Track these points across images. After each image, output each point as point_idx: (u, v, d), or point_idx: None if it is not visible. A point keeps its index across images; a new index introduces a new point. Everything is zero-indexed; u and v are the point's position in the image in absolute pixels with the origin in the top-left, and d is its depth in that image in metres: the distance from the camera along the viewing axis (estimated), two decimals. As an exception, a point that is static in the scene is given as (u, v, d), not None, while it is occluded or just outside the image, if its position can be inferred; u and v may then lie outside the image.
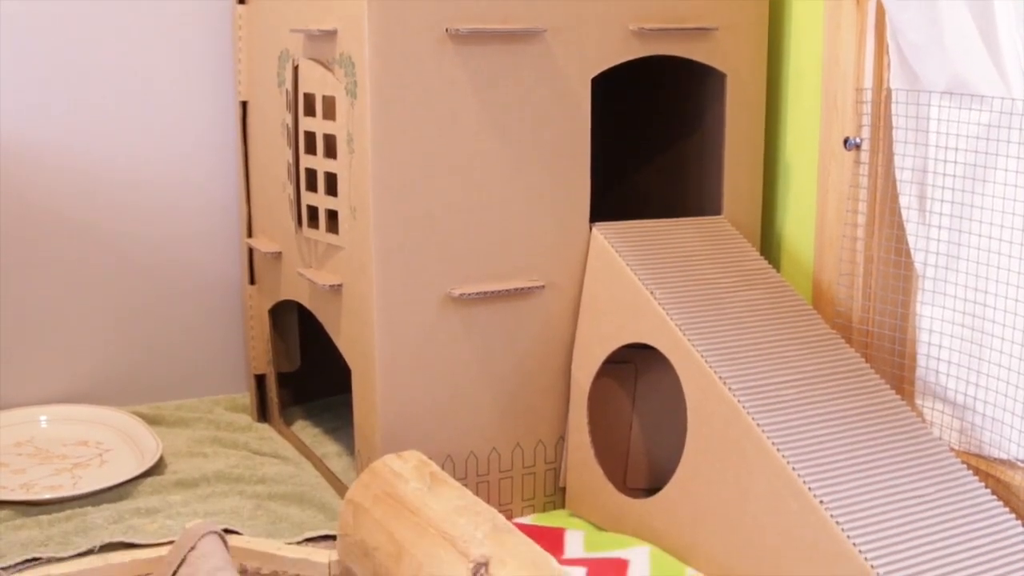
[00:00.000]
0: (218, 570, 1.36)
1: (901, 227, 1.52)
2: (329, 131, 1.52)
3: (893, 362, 1.55)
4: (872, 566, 1.19)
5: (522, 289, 1.51)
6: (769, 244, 1.72)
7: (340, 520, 1.43)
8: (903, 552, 1.22)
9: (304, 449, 1.78)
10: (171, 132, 1.90)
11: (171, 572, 1.38)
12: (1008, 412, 1.39)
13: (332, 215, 1.55)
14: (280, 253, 1.73)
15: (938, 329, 1.47)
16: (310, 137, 1.58)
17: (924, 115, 1.47)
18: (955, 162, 1.44)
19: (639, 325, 1.46)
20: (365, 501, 1.39)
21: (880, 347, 1.56)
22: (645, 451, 1.61)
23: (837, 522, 1.23)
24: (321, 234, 1.57)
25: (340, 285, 1.53)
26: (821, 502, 1.24)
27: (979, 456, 1.44)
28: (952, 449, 1.45)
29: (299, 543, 1.49)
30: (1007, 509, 1.31)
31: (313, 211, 1.59)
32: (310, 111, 1.57)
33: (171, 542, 1.44)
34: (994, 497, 1.32)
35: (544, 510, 1.58)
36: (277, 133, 1.69)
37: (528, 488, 1.57)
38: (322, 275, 1.57)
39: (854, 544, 1.21)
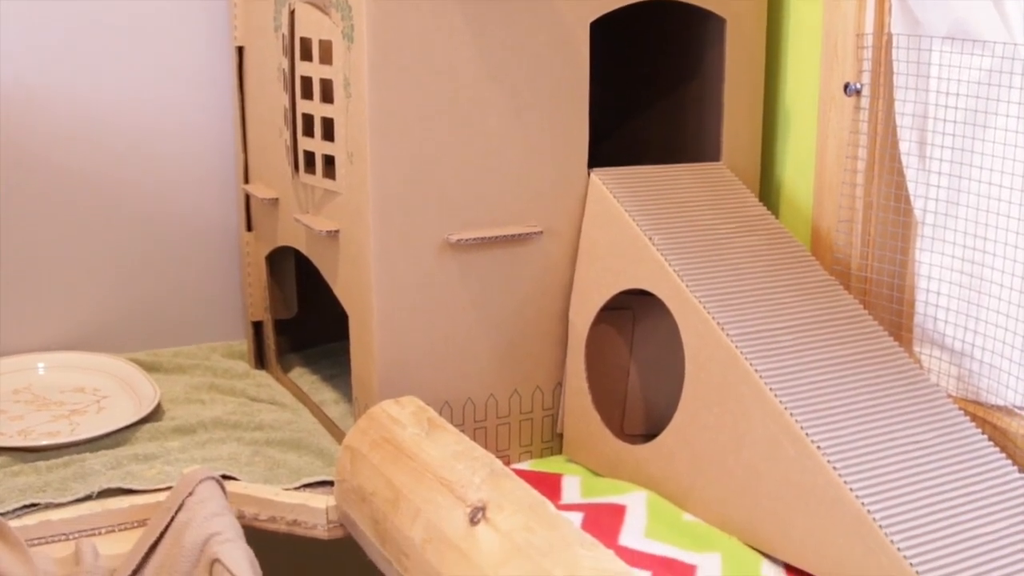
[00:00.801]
0: (215, 515, 1.37)
1: (901, 173, 1.51)
2: (326, 76, 1.51)
3: (891, 309, 1.54)
4: (869, 511, 1.19)
5: (520, 235, 1.50)
6: (768, 190, 1.71)
7: (338, 466, 1.43)
8: (900, 498, 1.22)
9: (302, 396, 1.78)
10: (167, 79, 1.88)
11: (169, 518, 1.38)
12: (1006, 359, 1.39)
13: (329, 161, 1.54)
14: (277, 199, 1.72)
15: (937, 276, 1.47)
16: (306, 82, 1.56)
17: (925, 60, 1.46)
18: (956, 108, 1.43)
19: (637, 271, 1.45)
20: (362, 447, 1.39)
21: (879, 294, 1.55)
22: (642, 397, 1.61)
23: (834, 467, 1.23)
24: (318, 180, 1.56)
25: (337, 231, 1.52)
26: (819, 447, 1.24)
27: (976, 403, 1.44)
28: (950, 396, 1.45)
29: (296, 489, 1.49)
30: (1004, 455, 1.31)
31: (310, 157, 1.58)
32: (307, 56, 1.55)
33: (169, 488, 1.45)
34: (991, 443, 1.32)
35: (541, 456, 1.59)
36: (273, 78, 1.68)
37: (525, 434, 1.57)
38: (319, 221, 1.56)
39: (851, 490, 1.21)
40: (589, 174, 1.54)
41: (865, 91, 1.53)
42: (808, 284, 1.46)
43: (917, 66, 1.47)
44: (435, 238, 1.47)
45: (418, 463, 1.31)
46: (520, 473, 1.51)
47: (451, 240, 1.47)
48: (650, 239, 1.44)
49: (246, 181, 1.86)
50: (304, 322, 1.93)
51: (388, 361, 1.47)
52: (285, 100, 1.62)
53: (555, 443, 1.60)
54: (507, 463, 1.55)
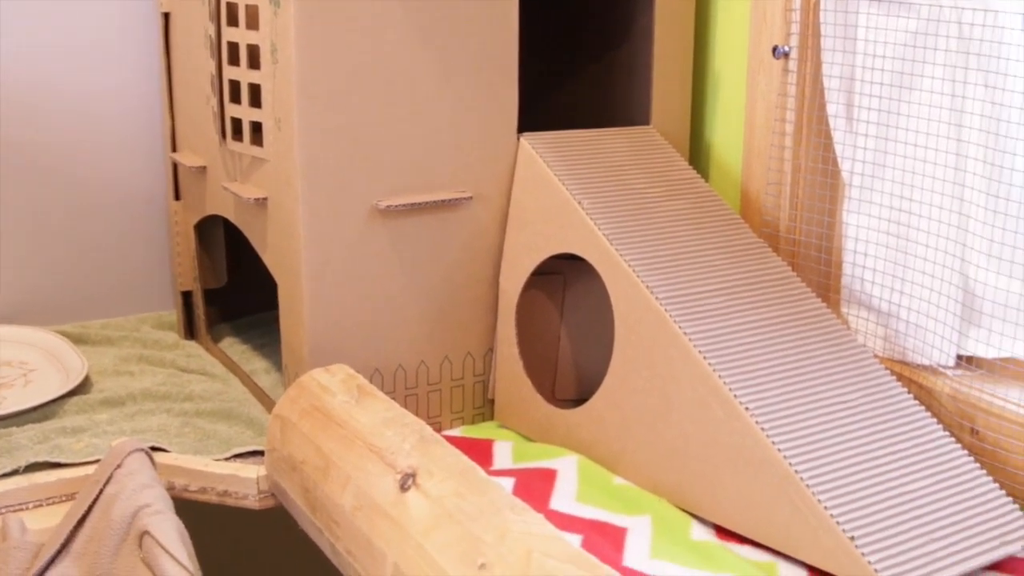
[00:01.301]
0: (145, 487, 1.36)
1: (829, 136, 1.52)
2: (252, 41, 1.49)
3: (819, 270, 1.55)
4: (796, 471, 1.20)
5: (449, 200, 1.50)
6: (698, 154, 1.71)
7: (268, 435, 1.42)
8: (826, 457, 1.23)
9: (232, 365, 1.77)
10: (91, 46, 1.85)
11: (97, 490, 1.37)
12: (932, 319, 1.41)
13: (256, 128, 1.52)
14: (205, 167, 1.70)
15: (864, 237, 1.48)
16: (233, 48, 1.54)
17: (852, 22, 1.46)
18: (882, 70, 1.43)
19: (567, 235, 1.45)
20: (292, 415, 1.39)
21: (807, 256, 1.56)
22: (574, 362, 1.61)
23: (762, 428, 1.23)
24: (246, 147, 1.55)
25: (265, 199, 1.51)
26: (746, 409, 1.25)
27: (903, 363, 1.45)
28: (876, 356, 1.46)
29: (227, 459, 1.48)
30: (929, 414, 1.33)
31: (237, 124, 1.57)
32: (233, 21, 1.53)
33: (97, 461, 1.43)
34: (917, 403, 1.34)
35: (473, 422, 1.59)
36: (200, 45, 1.66)
37: (457, 401, 1.57)
38: (247, 189, 1.55)
39: (779, 450, 1.22)
40: (519, 139, 1.53)
41: (793, 54, 1.54)
42: (737, 247, 1.47)
43: (844, 28, 1.47)
44: (364, 204, 1.46)
45: (348, 431, 1.30)
46: (451, 439, 1.51)
47: (380, 206, 1.46)
48: (579, 203, 1.44)
49: (174, 149, 1.83)
50: (234, 292, 1.92)
51: (318, 329, 1.47)
52: (212, 66, 1.60)
53: (487, 409, 1.59)
54: (439, 430, 1.55)
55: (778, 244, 1.57)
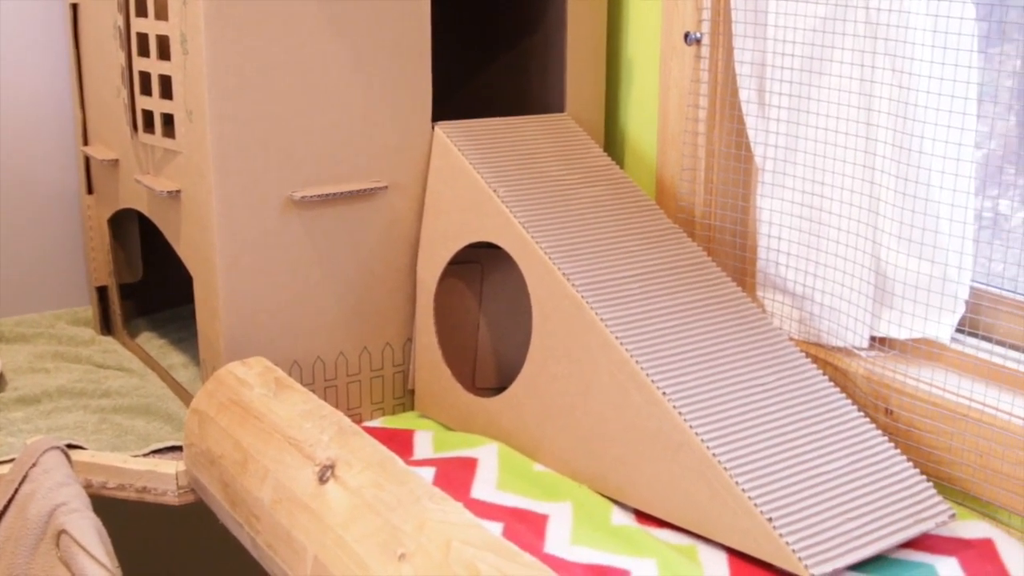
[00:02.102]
0: (61, 485, 1.34)
1: (741, 121, 1.53)
2: (162, 32, 1.47)
3: (735, 255, 1.57)
4: (714, 454, 1.21)
5: (364, 190, 1.49)
6: (612, 141, 1.72)
7: (186, 430, 1.41)
8: (744, 440, 1.24)
9: (149, 361, 1.75)
10: (-2, 38, 1.83)
11: (13, 489, 1.35)
12: (845, 301, 1.42)
13: (168, 119, 1.50)
14: (117, 161, 1.68)
15: (777, 222, 1.49)
16: (143, 39, 1.53)
17: (762, 8, 1.48)
18: (792, 55, 1.45)
19: (483, 224, 1.45)
20: (210, 410, 1.38)
21: (722, 240, 1.57)
22: (493, 350, 1.61)
23: (680, 413, 1.24)
24: (157, 139, 1.53)
25: (178, 191, 1.49)
26: (664, 394, 1.26)
27: (818, 345, 1.47)
28: (792, 338, 1.48)
29: (145, 455, 1.46)
30: (845, 395, 1.34)
31: (149, 116, 1.55)
32: (142, 12, 1.51)
33: (12, 460, 1.41)
34: (832, 384, 1.35)
35: (393, 413, 1.58)
36: (109, 36, 1.64)
37: (377, 391, 1.57)
38: (160, 181, 1.53)
39: (696, 434, 1.23)
40: (433, 128, 1.53)
41: (705, 40, 1.55)
42: (653, 232, 1.48)
43: (755, 14, 1.49)
44: (278, 195, 1.45)
45: (266, 424, 1.29)
46: (372, 430, 1.50)
47: (295, 197, 1.45)
48: (495, 191, 1.44)
49: (85, 143, 1.81)
50: (151, 286, 1.90)
51: (234, 322, 1.45)
52: (121, 58, 1.58)
53: (407, 399, 1.59)
54: (359, 421, 1.55)
55: (693, 229, 1.58)
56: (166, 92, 1.49)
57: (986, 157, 1.38)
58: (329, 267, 1.49)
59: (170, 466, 1.43)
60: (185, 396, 1.60)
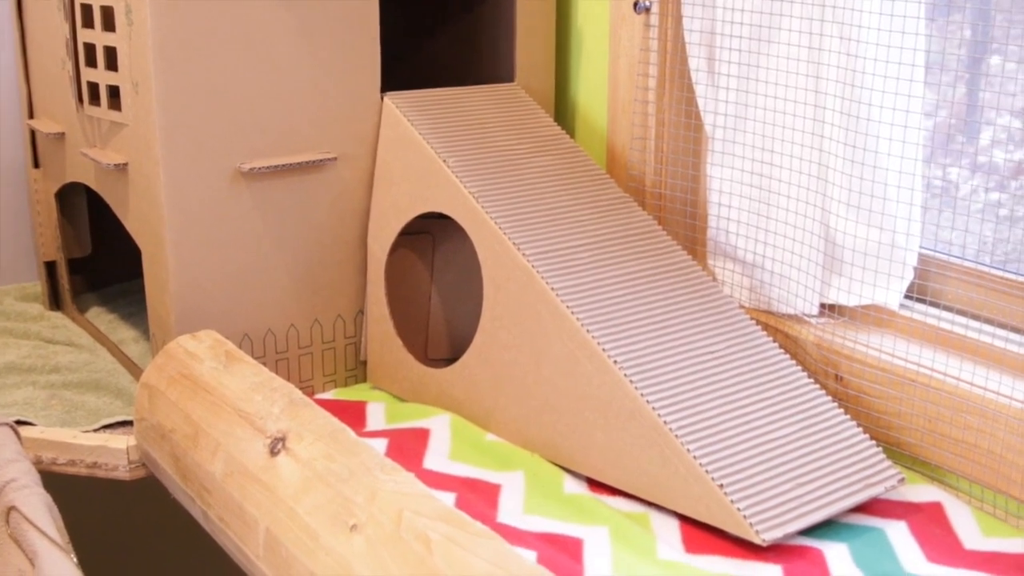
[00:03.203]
0: (10, 462, 1.33)
1: (691, 90, 1.53)
2: (106, 3, 1.45)
3: (685, 223, 1.57)
4: (665, 422, 1.22)
5: (314, 162, 1.48)
6: (563, 110, 1.72)
7: (136, 404, 1.40)
8: (695, 407, 1.25)
9: (99, 336, 1.73)
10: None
11: (-40, 466, 1.34)
12: (795, 269, 1.43)
13: (114, 91, 1.49)
14: (63, 134, 1.66)
15: (727, 190, 1.49)
16: (87, 10, 1.51)
17: (711, -24, 1.48)
18: (741, 23, 1.45)
19: (433, 194, 1.45)
20: (160, 384, 1.37)
21: (673, 209, 1.57)
22: (445, 321, 1.61)
23: (631, 381, 1.25)
24: (103, 112, 1.51)
25: (125, 164, 1.48)
26: (615, 362, 1.26)
27: (768, 312, 1.47)
28: (742, 306, 1.48)
29: (96, 430, 1.45)
30: (795, 362, 1.35)
31: (94, 88, 1.53)
32: (86, -17, 1.50)
33: (-41, 436, 1.40)
34: (783, 351, 1.36)
35: (346, 385, 1.58)
36: (54, 8, 1.62)
37: (329, 364, 1.56)
38: (106, 155, 1.51)
39: (647, 402, 1.23)
40: (382, 98, 1.52)
41: (655, 8, 1.54)
42: (603, 202, 1.48)
43: (703, -18, 1.48)
44: (227, 167, 1.44)
45: (216, 397, 1.29)
46: (324, 403, 1.50)
47: (243, 169, 1.44)
48: (444, 162, 1.43)
49: (31, 116, 1.79)
50: (100, 261, 1.88)
51: (183, 296, 1.44)
52: (66, 30, 1.56)
53: (359, 371, 1.59)
54: (311, 394, 1.54)
55: (644, 198, 1.58)
56: (111, 64, 1.47)
57: (936, 127, 1.38)
58: (279, 239, 1.48)
59: (121, 441, 1.42)
60: (135, 371, 1.59)
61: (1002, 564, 1.16)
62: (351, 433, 1.18)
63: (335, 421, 1.20)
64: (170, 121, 1.39)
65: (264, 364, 1.44)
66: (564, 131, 1.57)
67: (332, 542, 1.06)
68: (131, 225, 1.51)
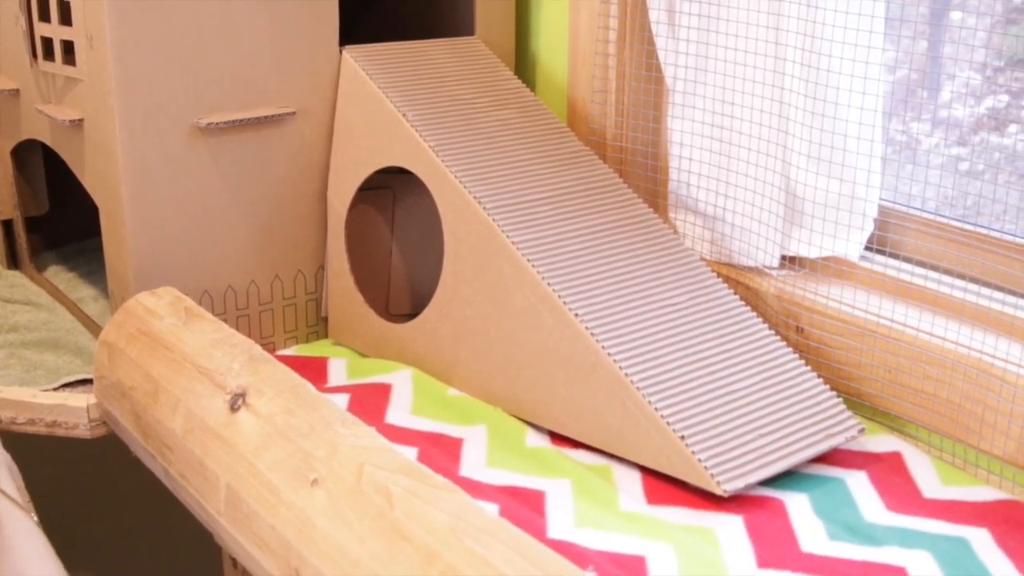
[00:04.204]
0: (-32, 421, 1.32)
1: (651, 43, 1.52)
2: (59, -44, 1.44)
3: (646, 176, 1.57)
4: (627, 374, 1.22)
5: (272, 117, 1.47)
6: (523, 64, 1.71)
7: (96, 362, 1.39)
8: (656, 360, 1.25)
9: (58, 294, 1.72)
10: None
11: (-83, 425, 1.33)
12: (755, 221, 1.43)
13: (69, 46, 1.47)
14: (18, 90, 1.64)
15: (688, 142, 1.49)
16: (40, -36, 1.49)
17: (671, -72, 1.47)
18: (702, -25, 1.44)
19: (393, 148, 1.44)
20: (119, 341, 1.36)
21: (634, 162, 1.57)
22: (406, 276, 1.60)
23: (592, 334, 1.25)
24: (58, 67, 1.49)
25: (81, 120, 1.46)
26: (576, 315, 1.26)
27: (729, 265, 1.48)
28: (703, 259, 1.48)
29: (55, 389, 1.44)
30: (755, 314, 1.35)
31: (48, 43, 1.51)
32: (38, -64, 1.48)
33: (-84, 395, 1.39)
34: (743, 303, 1.36)
35: (307, 341, 1.57)
36: (5, -38, 1.60)
37: (290, 320, 1.55)
38: (62, 111, 1.50)
39: (609, 355, 1.23)
40: (341, 52, 1.51)
41: (614, -39, 1.53)
42: (564, 155, 1.47)
43: (663, -66, 1.48)
44: (184, 123, 1.42)
45: (176, 353, 1.28)
46: (285, 359, 1.49)
47: (201, 124, 1.42)
48: (404, 116, 1.42)
49: (-16, 73, 1.77)
50: (58, 219, 1.86)
51: (142, 252, 1.43)
52: (18, -16, 1.54)
53: (320, 327, 1.58)
54: (272, 350, 1.54)
55: (605, 152, 1.58)
56: (65, 18, 1.45)
57: (898, 81, 1.38)
58: (238, 195, 1.47)
59: (81, 399, 1.41)
60: (95, 329, 1.58)
61: (960, 512, 1.17)
62: (311, 388, 1.17)
63: (295, 376, 1.19)
64: (126, 76, 1.38)
65: (224, 321, 1.44)
66: (524, 85, 1.56)
67: (293, 497, 1.06)
68: (88, 182, 1.49)
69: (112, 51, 1.36)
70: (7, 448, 1.31)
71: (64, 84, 1.49)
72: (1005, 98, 1.38)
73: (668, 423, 1.19)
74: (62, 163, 1.59)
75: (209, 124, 1.42)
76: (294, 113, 1.49)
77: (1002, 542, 1.13)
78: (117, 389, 1.34)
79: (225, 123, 1.43)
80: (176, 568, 1.99)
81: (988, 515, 1.17)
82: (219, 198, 1.46)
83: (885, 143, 1.38)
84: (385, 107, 1.44)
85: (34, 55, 1.54)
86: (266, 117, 1.46)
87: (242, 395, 1.18)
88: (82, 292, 1.71)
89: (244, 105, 1.46)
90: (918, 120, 1.41)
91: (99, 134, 1.43)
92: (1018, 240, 1.30)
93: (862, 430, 1.27)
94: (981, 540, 1.13)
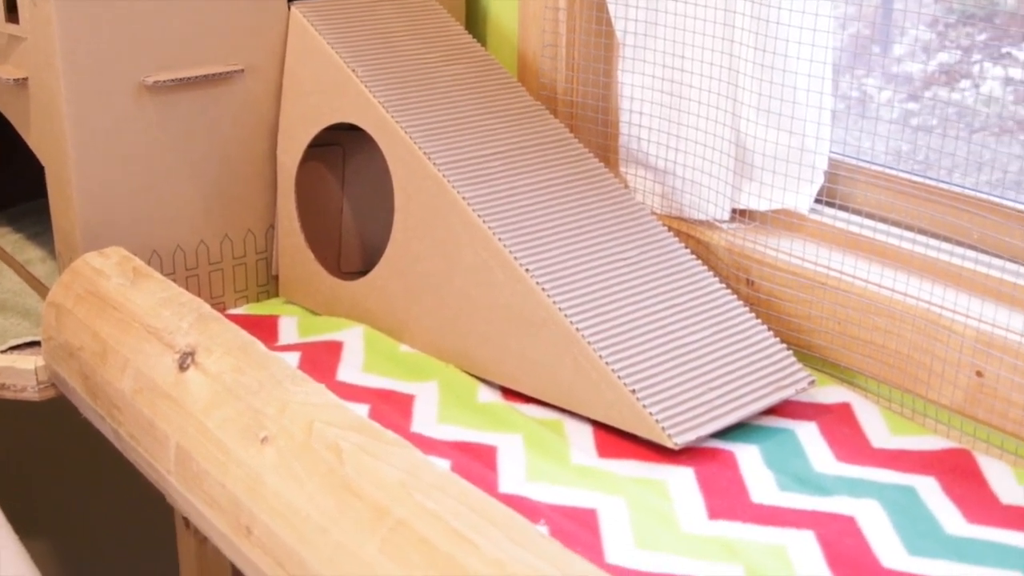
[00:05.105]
0: (-86, 384, 1.31)
1: (602, -4, 1.52)
2: (0, -89, 1.41)
3: (597, 131, 1.56)
4: (578, 329, 1.22)
5: (220, 74, 1.45)
6: (473, 18, 1.69)
7: (43, 324, 1.38)
8: (608, 314, 1.25)
9: (5, 256, 1.70)
10: None
11: None
12: (706, 175, 1.43)
13: (11, 4, 1.45)
14: (-40, 49, 1.62)
15: (639, 96, 1.48)
16: (-20, -81, 1.46)
17: None
18: (651, -72, 1.43)
19: (342, 104, 1.43)
20: (67, 302, 1.35)
21: (584, 117, 1.57)
22: (358, 233, 1.59)
23: (543, 289, 1.24)
24: (1, 25, 1.47)
25: (25, 79, 1.44)
26: (527, 270, 1.25)
27: (680, 218, 1.48)
28: (654, 213, 1.48)
29: (3, 352, 1.43)
30: (706, 267, 1.36)
31: (-9, 1, 1.49)
32: None
33: None
34: (694, 257, 1.36)
35: (258, 300, 1.56)
36: (-55, -82, 1.57)
37: (240, 279, 1.54)
38: (5, 69, 1.48)
39: (560, 309, 1.23)
40: (289, 7, 1.49)
41: (564, -86, 1.52)
42: (515, 110, 1.46)
43: None
44: (130, 81, 1.40)
45: (124, 313, 1.27)
46: (236, 318, 1.49)
47: (147, 82, 1.41)
48: (353, 72, 1.41)
49: (-73, 32, 1.74)
50: (3, 180, 1.84)
51: (89, 213, 1.42)
52: (-42, -59, 1.51)
53: (271, 286, 1.57)
54: (222, 309, 1.53)
55: (556, 106, 1.57)
56: (7, -25, 1.44)
57: (850, 37, 1.38)
58: (186, 154, 1.46)
59: (29, 362, 1.40)
60: (43, 291, 1.56)
61: (908, 461, 1.18)
62: (261, 346, 1.17)
63: (244, 335, 1.19)
64: (70, 33, 1.36)
65: (174, 281, 1.42)
66: (475, 39, 1.55)
67: (243, 455, 1.05)
68: (33, 142, 1.47)
69: (56, 9, 1.34)
70: (-45, 411, 1.30)
71: (8, 43, 1.47)
72: (957, 54, 1.39)
73: (619, 377, 1.20)
74: (7, 123, 1.58)
75: (156, 82, 1.41)
76: (242, 70, 1.47)
77: (949, 490, 1.14)
78: (65, 350, 1.33)
79: (172, 81, 1.42)
80: (129, 530, 1.98)
81: (936, 464, 1.18)
82: (167, 157, 1.45)
83: (835, 96, 1.38)
84: (334, 63, 1.43)
85: (-24, 13, 1.52)
86: (214, 75, 1.45)
87: (191, 354, 1.17)
88: (29, 254, 1.69)
89: (191, 63, 1.44)
90: (869, 75, 1.41)
91: (44, 93, 1.41)
92: (966, 191, 1.30)
93: (812, 382, 1.28)
94: (929, 488, 1.14)
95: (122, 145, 1.41)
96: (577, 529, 1.07)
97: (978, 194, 1.29)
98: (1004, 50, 1.34)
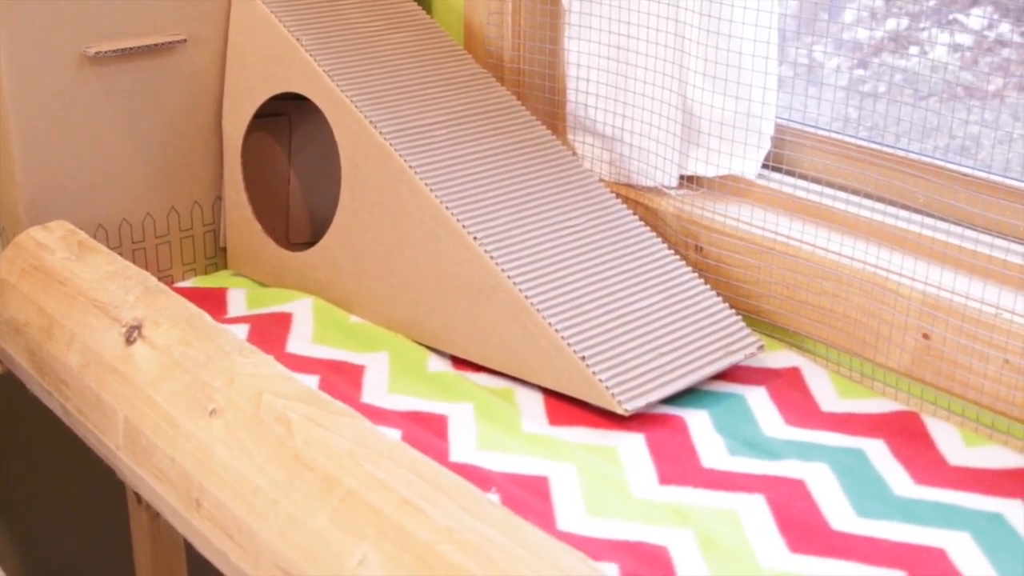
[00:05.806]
0: None
1: (547, -37, 1.51)
2: None
3: (545, 98, 1.56)
4: (527, 296, 1.22)
5: (162, 44, 1.44)
6: (419, -13, 1.69)
7: (-13, 299, 1.37)
8: (556, 282, 1.25)
9: (-52, 231, 1.68)
10: None
11: None
12: (654, 141, 1.43)
13: (-52, -25, 1.43)
14: (-102, 22, 1.60)
15: (586, 63, 1.48)
16: None
17: None
18: None
19: (287, 74, 1.42)
20: (11, 277, 1.33)
21: (531, 84, 1.56)
22: (305, 204, 1.58)
23: (491, 257, 1.24)
24: (-62, -3, 1.45)
25: (-36, 51, 1.42)
26: (475, 239, 1.25)
27: (628, 185, 1.48)
28: (603, 180, 1.48)
29: (-52, 327, 1.42)
30: (654, 233, 1.36)
31: (-73, -28, 1.47)
32: None
33: None
34: (642, 223, 1.36)
35: (206, 272, 1.55)
36: None
37: (188, 252, 1.53)
38: (-56, 42, 1.46)
39: (509, 277, 1.23)
40: (232, -23, 1.48)
41: None
42: (461, 78, 1.46)
43: None
44: (72, 52, 1.39)
45: (70, 288, 1.26)
46: (184, 291, 1.48)
47: (89, 53, 1.39)
48: (298, 40, 1.40)
49: None
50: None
51: (32, 186, 1.40)
52: None
53: (219, 258, 1.56)
54: (170, 283, 1.51)
55: (503, 74, 1.57)
56: (-56, -55, 1.41)
57: (801, 1, 1.39)
58: (130, 125, 1.44)
59: (-26, 337, 1.39)
60: (-13, 266, 1.55)
61: (856, 424, 1.19)
62: (208, 319, 1.16)
63: (192, 307, 1.18)
64: (9, 4, 1.34)
65: (120, 254, 1.41)
66: (420, 7, 1.54)
67: (192, 428, 1.05)
68: (-26, 115, 1.46)
69: (-7, -21, 1.33)
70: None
71: (-55, 14, 1.45)
72: (905, 20, 1.39)
73: (569, 344, 1.20)
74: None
75: (98, 53, 1.39)
76: (185, 40, 1.46)
77: (897, 452, 1.15)
78: (11, 326, 1.32)
79: (114, 52, 1.40)
80: (81, 507, 1.97)
81: (884, 426, 1.19)
82: (111, 129, 1.43)
83: (782, 61, 1.38)
84: (278, 32, 1.42)
85: (-88, -16, 1.49)
86: (156, 45, 1.43)
87: (138, 327, 1.16)
88: (-26, 229, 1.68)
89: (133, 33, 1.42)
90: (819, 42, 1.42)
91: (-17, 65, 1.39)
92: (911, 156, 1.31)
93: (761, 347, 1.29)
94: (877, 450, 1.15)
95: (65, 118, 1.40)
96: (528, 497, 1.07)
97: (923, 158, 1.30)
98: (951, 16, 1.35)
